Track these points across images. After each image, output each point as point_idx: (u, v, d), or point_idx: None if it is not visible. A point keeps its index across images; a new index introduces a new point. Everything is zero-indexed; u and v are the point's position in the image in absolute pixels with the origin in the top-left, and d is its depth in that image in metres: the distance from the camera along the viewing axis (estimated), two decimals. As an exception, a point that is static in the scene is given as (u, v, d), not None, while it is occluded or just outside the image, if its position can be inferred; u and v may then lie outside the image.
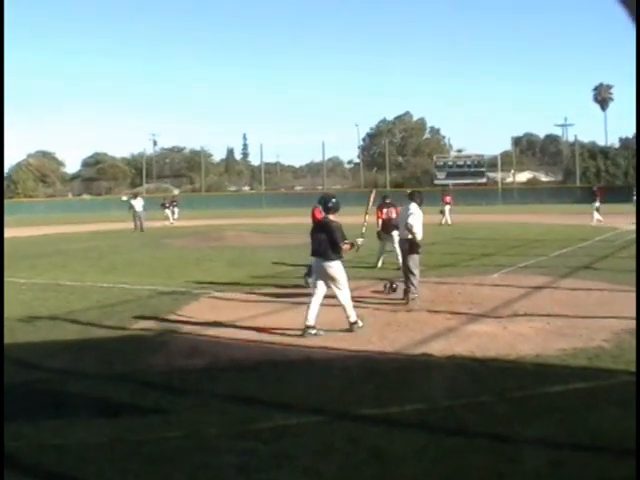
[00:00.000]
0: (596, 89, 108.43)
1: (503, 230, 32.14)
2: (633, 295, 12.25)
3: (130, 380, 7.99)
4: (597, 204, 35.98)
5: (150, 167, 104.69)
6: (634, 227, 27.79)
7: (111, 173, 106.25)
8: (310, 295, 10.57)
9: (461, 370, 8.03)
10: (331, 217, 10.70)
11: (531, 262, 18.60)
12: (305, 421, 6.40)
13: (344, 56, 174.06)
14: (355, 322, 10.23)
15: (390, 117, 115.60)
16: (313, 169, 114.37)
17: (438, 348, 9.04)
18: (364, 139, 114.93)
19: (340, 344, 9.41)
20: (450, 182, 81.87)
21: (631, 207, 48.37)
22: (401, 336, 9.87)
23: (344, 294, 10.37)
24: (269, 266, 19.47)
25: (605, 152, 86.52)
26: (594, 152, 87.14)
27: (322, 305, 10.69)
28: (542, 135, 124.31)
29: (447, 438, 5.95)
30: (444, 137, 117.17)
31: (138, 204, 38.32)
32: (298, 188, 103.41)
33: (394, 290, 13.20)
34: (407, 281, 12.72)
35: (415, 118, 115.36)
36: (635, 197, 57.37)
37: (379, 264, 18.16)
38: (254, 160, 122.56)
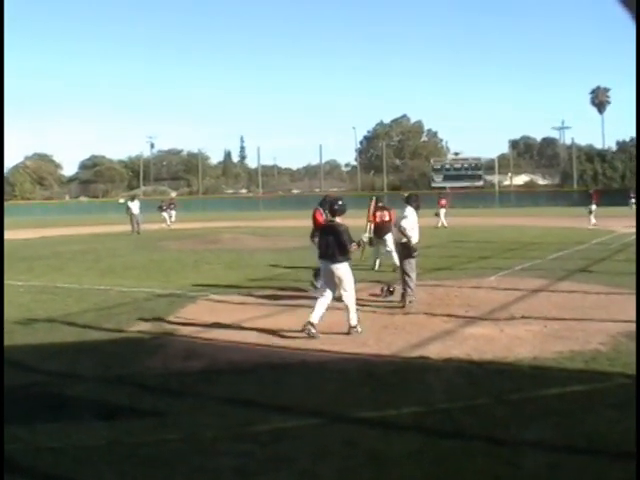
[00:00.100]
0: (593, 92, 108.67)
1: (500, 233, 32.15)
2: (630, 298, 12.29)
3: (127, 383, 7.99)
4: (593, 207, 35.97)
5: (147, 170, 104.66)
6: (631, 230, 27.88)
7: (108, 175, 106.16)
8: (312, 298, 10.55)
9: (458, 373, 8.04)
10: (338, 219, 10.72)
11: (528, 265, 18.61)
12: (303, 424, 6.40)
13: (341, 59, 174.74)
14: (355, 326, 10.23)
15: (387, 120, 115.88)
16: (310, 172, 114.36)
17: (435, 351, 9.05)
18: (361, 142, 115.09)
19: (337, 347, 9.41)
20: (447, 185, 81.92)
21: (628, 210, 48.61)
22: (398, 339, 9.88)
23: (349, 296, 10.40)
24: (266, 269, 19.48)
25: (602, 155, 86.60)
26: (591, 155, 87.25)
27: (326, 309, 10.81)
28: (539, 138, 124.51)
29: (444, 441, 5.96)
30: (441, 140, 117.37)
31: (135, 206, 38.28)
32: (295, 191, 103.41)
33: (391, 293, 13.21)
34: (404, 284, 12.74)
35: (412, 121, 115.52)
36: (633, 200, 57.69)
37: (376, 267, 18.19)
38: (251, 163, 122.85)
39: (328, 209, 11.10)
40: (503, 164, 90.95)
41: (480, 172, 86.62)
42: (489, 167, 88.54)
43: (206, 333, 10.58)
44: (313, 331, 10.04)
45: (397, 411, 6.64)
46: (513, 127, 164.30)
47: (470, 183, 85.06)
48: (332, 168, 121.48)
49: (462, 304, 12.60)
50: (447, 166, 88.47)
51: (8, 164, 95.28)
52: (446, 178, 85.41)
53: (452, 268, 18.71)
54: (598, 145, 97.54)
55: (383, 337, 10.01)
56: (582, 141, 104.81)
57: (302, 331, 10.05)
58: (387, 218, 17.82)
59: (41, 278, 17.77)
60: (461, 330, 10.41)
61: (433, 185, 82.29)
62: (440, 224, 36.96)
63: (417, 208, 13.15)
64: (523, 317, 11.21)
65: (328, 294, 10.48)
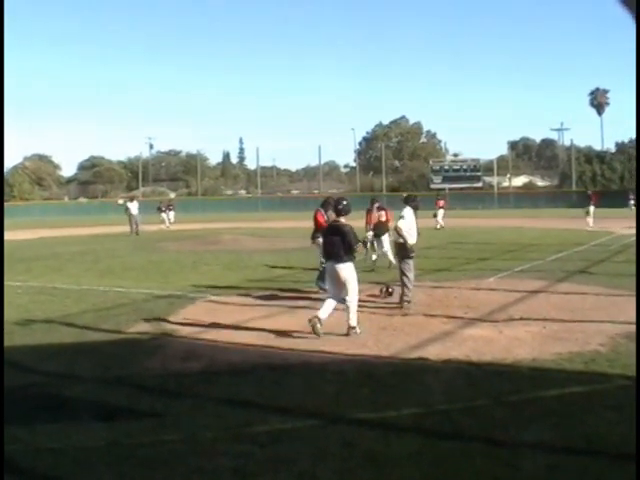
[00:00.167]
0: (592, 94, 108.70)
1: (499, 234, 32.16)
2: (629, 299, 12.30)
3: (126, 384, 7.98)
4: (591, 208, 35.95)
5: (146, 170, 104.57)
6: (630, 231, 27.88)
7: (107, 176, 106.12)
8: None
9: (457, 374, 8.04)
10: (342, 220, 10.74)
11: (527, 266, 18.61)
12: (302, 425, 6.40)
13: (340, 60, 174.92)
14: (354, 327, 10.22)
15: (386, 121, 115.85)
16: (309, 173, 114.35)
17: (434, 352, 9.05)
18: (360, 143, 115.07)
19: (336, 348, 9.40)
20: (446, 186, 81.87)
21: (627, 211, 48.64)
22: (397, 340, 9.88)
23: (352, 296, 10.42)
24: (265, 270, 19.48)
25: (601, 156, 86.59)
26: (590, 156, 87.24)
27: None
28: (538, 139, 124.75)
29: (443, 442, 5.95)
30: (440, 141, 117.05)
31: (134, 207, 38.28)
32: (294, 192, 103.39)
33: (390, 294, 13.21)
34: (402, 285, 12.78)
35: (411, 122, 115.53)
36: (632, 201, 57.76)
37: (374, 257, 18.24)
38: (250, 164, 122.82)
39: (333, 209, 11.12)
40: (502, 165, 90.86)
41: (479, 173, 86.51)
42: (488, 168, 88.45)
43: (205, 334, 10.58)
44: (318, 325, 10.07)
45: (396, 412, 6.63)
46: (512, 128, 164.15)
47: (469, 184, 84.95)
48: (331, 169, 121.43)
49: (461, 305, 12.59)
50: (446, 167, 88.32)
51: (7, 165, 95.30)
52: (445, 179, 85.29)
53: (451, 269, 18.71)
54: (597, 146, 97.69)
55: (382, 338, 10.01)
56: (581, 142, 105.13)
57: (310, 321, 10.09)
58: (384, 218, 17.85)
59: (40, 279, 17.76)
60: (460, 331, 10.41)
61: (432, 186, 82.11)
62: (439, 225, 36.99)
63: (415, 209, 13.17)
64: (522, 318, 11.21)
65: (338, 294, 10.53)
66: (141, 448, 5.83)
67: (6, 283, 13.34)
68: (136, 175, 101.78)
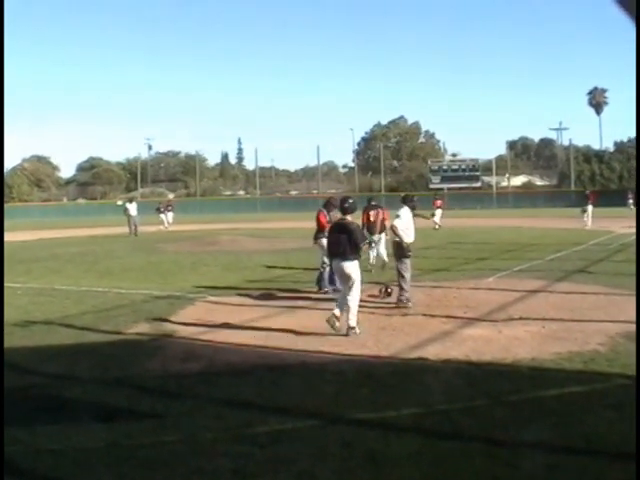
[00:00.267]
0: (591, 93, 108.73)
1: (498, 234, 32.17)
2: (628, 299, 12.31)
3: (126, 385, 7.98)
4: (589, 207, 35.93)
5: (145, 171, 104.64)
6: (629, 231, 27.91)
7: (106, 177, 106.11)
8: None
9: (456, 374, 8.04)
10: (348, 218, 10.78)
11: (526, 266, 18.62)
12: (301, 425, 6.40)
13: (339, 60, 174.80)
14: (353, 327, 10.22)
15: (385, 121, 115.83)
16: (308, 173, 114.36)
17: (433, 352, 9.05)
18: (359, 143, 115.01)
19: (335, 348, 9.41)
20: (445, 186, 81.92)
21: (626, 211, 48.65)
22: (396, 340, 9.88)
23: (354, 295, 10.46)
24: (264, 270, 19.49)
25: (600, 156, 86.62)
26: (589, 156, 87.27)
27: (322, 310, 10.80)
28: (537, 139, 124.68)
29: (443, 442, 5.96)
30: (439, 141, 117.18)
31: (133, 208, 38.28)
32: (293, 192, 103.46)
33: (389, 294, 13.21)
34: (399, 285, 12.84)
35: (410, 122, 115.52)
36: (631, 201, 57.77)
37: (372, 262, 18.23)
38: (249, 164, 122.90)
39: (339, 207, 11.16)
40: (501, 165, 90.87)
41: (478, 173, 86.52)
42: (487, 168, 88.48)
43: (204, 335, 10.57)
44: (337, 324, 10.23)
45: (396, 412, 6.63)
46: (511, 128, 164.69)
47: (468, 184, 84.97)
48: (330, 169, 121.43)
49: (460, 305, 12.60)
50: (445, 167, 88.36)
51: (6, 166, 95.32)
52: (444, 179, 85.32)
53: (450, 269, 18.72)
54: (596, 146, 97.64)
55: (382, 338, 10.01)
56: (580, 142, 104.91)
57: (328, 321, 10.24)
58: (380, 217, 17.86)
59: (39, 280, 17.76)
60: (459, 331, 10.41)
61: (431, 186, 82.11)
62: (437, 226, 36.98)
63: (413, 208, 13.20)
64: (521, 318, 11.21)
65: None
66: (141, 449, 5.83)
67: (6, 284, 13.34)
68: (135, 176, 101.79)
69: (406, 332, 10.41)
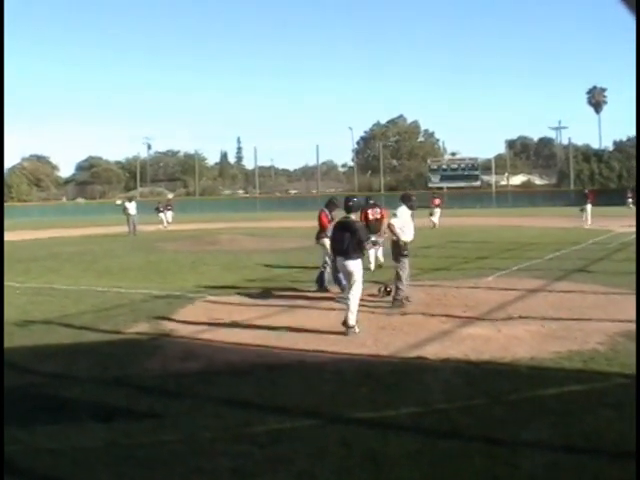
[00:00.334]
0: (590, 92, 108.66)
1: (497, 233, 32.16)
2: (628, 298, 12.32)
3: (125, 384, 7.98)
4: (588, 207, 35.89)
5: (144, 171, 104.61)
6: (628, 230, 27.91)
7: (105, 177, 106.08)
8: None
9: (456, 373, 8.03)
10: (352, 216, 10.83)
11: (525, 265, 18.62)
12: (300, 425, 6.40)
13: (338, 60, 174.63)
14: (352, 326, 10.23)
15: (384, 120, 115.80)
16: (307, 173, 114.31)
17: (432, 351, 9.05)
18: (358, 142, 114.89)
19: (335, 347, 9.41)
20: (444, 185, 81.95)
21: (625, 210, 48.67)
22: (396, 339, 9.88)
23: (355, 293, 10.48)
24: (264, 269, 19.47)
25: (599, 155, 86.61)
26: (588, 155, 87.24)
27: (321, 309, 10.80)
28: (536, 138, 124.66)
29: (442, 441, 5.95)
30: (438, 140, 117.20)
31: (132, 207, 38.26)
32: (292, 192, 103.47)
33: (388, 293, 13.20)
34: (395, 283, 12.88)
35: (409, 121, 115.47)
36: (630, 200, 57.78)
37: (372, 267, 18.19)
38: (248, 164, 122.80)
39: (343, 206, 11.19)
40: (500, 164, 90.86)
41: (477, 172, 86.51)
42: (486, 167, 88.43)
43: (204, 334, 10.57)
44: (357, 329, 10.33)
45: (395, 411, 6.64)
46: (510, 127, 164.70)
47: (467, 183, 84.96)
48: (329, 169, 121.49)
49: (460, 304, 12.60)
50: (444, 166, 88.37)
51: (5, 166, 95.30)
52: (443, 178, 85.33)
53: (450, 268, 18.72)
54: (595, 145, 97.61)
55: (381, 337, 10.01)
56: (579, 141, 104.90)
57: (343, 324, 10.37)
58: (378, 216, 17.86)
59: (38, 279, 17.76)
60: (459, 330, 10.41)
61: (430, 185, 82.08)
62: (433, 224, 36.95)
63: (411, 207, 13.20)
64: (521, 317, 11.21)
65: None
66: (140, 448, 5.83)
67: (5, 284, 13.33)
68: (134, 175, 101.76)
69: (405, 331, 10.42)
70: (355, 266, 10.51)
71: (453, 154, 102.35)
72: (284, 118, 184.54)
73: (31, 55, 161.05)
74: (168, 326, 11.18)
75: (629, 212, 45.67)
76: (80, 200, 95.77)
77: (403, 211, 12.99)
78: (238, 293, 14.70)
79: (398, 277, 12.62)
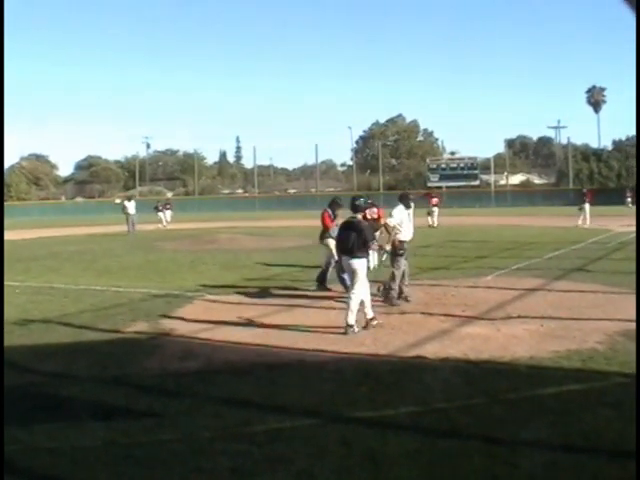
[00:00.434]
0: (589, 91, 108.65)
1: (496, 232, 32.15)
2: (627, 297, 12.34)
3: (124, 383, 7.98)
4: (587, 206, 35.86)
5: (143, 170, 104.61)
6: (627, 229, 27.92)
7: (104, 176, 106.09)
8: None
9: (455, 372, 8.04)
10: (359, 216, 10.86)
11: (524, 264, 18.61)
12: (299, 424, 6.40)
13: (337, 59, 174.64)
14: (351, 325, 10.23)
15: (383, 120, 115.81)
16: (306, 172, 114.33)
17: (432, 350, 9.05)
18: (357, 142, 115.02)
19: (333, 347, 9.41)
20: (443, 184, 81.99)
21: (624, 209, 48.70)
22: (394, 338, 9.88)
23: (356, 293, 10.49)
24: (263, 269, 19.46)
25: (598, 154, 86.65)
26: (587, 154, 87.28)
27: (320, 308, 10.78)
28: (535, 137, 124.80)
29: (441, 440, 5.95)
30: (437, 139, 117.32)
31: (131, 206, 38.24)
32: (291, 191, 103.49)
33: (393, 289, 13.20)
34: (399, 283, 12.88)
35: (408, 120, 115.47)
36: (629, 199, 57.84)
37: (372, 265, 18.19)
38: (247, 163, 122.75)
39: (350, 206, 11.21)
40: (499, 163, 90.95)
41: (476, 171, 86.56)
42: (485, 166, 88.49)
43: (203, 333, 10.57)
44: (375, 323, 10.58)
45: (394, 411, 6.64)
46: (509, 126, 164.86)
47: (466, 182, 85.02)
48: (328, 168, 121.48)
49: (459, 303, 12.60)
50: (443, 166, 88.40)
51: (4, 165, 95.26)
52: (442, 178, 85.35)
53: (449, 268, 18.71)
54: (594, 144, 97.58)
55: (380, 337, 10.01)
56: (578, 140, 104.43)
57: (366, 328, 10.48)
58: (375, 216, 17.87)
59: (37, 279, 17.75)
60: (458, 329, 10.42)
61: (429, 184, 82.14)
62: (431, 222, 36.93)
63: (408, 207, 13.21)
64: (520, 316, 11.21)
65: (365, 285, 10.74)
66: (139, 448, 5.83)
67: (4, 283, 13.33)
68: (133, 174, 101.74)
69: (404, 330, 10.42)
70: (359, 265, 10.54)
71: (452, 153, 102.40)
72: (283, 117, 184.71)
73: (30, 55, 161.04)
74: (167, 325, 11.18)
75: (628, 211, 45.70)
76: (79, 199, 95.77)
77: (399, 210, 13.03)
78: (237, 292, 14.70)
79: (392, 276, 12.64)
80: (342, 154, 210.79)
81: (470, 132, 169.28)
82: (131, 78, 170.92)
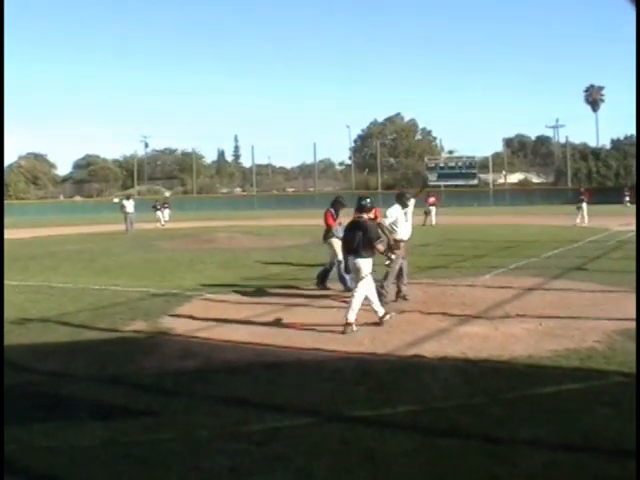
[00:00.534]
0: (587, 90, 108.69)
1: (495, 231, 32.17)
2: (625, 296, 12.35)
3: (122, 382, 7.97)
4: (584, 205, 35.89)
5: (141, 169, 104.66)
6: (626, 228, 27.94)
7: (102, 175, 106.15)
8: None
9: (453, 371, 8.03)
10: (365, 216, 10.89)
11: (523, 263, 18.62)
12: (297, 423, 6.39)
13: (335, 58, 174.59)
14: (350, 324, 10.23)
15: (381, 119, 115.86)
16: (305, 171, 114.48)
17: (430, 349, 9.04)
18: (355, 141, 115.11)
19: (332, 346, 9.40)
20: (442, 183, 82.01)
21: (622, 208, 48.73)
22: (393, 338, 9.87)
23: (360, 292, 10.52)
24: (262, 267, 19.45)
25: (596, 153, 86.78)
26: (585, 153, 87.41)
27: (319, 307, 10.77)
28: (533, 136, 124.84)
29: (440, 440, 5.95)
30: (435, 138, 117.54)
31: (130, 205, 38.23)
32: (290, 190, 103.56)
33: (386, 293, 13.19)
34: (398, 282, 12.87)
35: (406, 119, 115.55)
36: (627, 198, 57.88)
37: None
38: (245, 162, 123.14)
39: (356, 205, 11.25)
40: (497, 162, 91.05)
41: (474, 170, 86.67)
42: (483, 165, 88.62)
43: (201, 332, 10.56)
44: (388, 317, 10.67)
45: (392, 410, 6.63)
46: (507, 125, 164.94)
47: (464, 182, 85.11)
48: (326, 167, 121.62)
49: (457, 302, 12.60)
50: (441, 165, 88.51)
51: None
52: (440, 177, 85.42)
53: (447, 267, 18.71)
54: (592, 143, 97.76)
55: (378, 336, 10.00)
56: (576, 139, 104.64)
57: (379, 324, 10.58)
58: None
59: (36, 278, 17.73)
60: (456, 329, 10.41)
61: (428, 184, 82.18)
62: (428, 222, 36.90)
63: (404, 206, 13.21)
64: (518, 315, 11.21)
65: (372, 284, 10.80)
66: (137, 447, 5.82)
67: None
68: (131, 173, 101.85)
69: (402, 329, 10.41)
70: (364, 264, 10.56)
71: (450, 152, 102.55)
72: (281, 116, 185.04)
73: (29, 55, 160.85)
74: (165, 324, 11.17)
75: (626, 210, 45.75)
76: (77, 198, 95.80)
77: (395, 210, 13.04)
78: (236, 291, 14.69)
79: (385, 275, 12.66)
80: (340, 153, 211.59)
81: (468, 131, 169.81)
82: (129, 77, 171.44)
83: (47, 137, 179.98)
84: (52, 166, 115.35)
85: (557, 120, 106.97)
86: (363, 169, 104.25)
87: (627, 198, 59.65)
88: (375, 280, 10.88)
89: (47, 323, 11.43)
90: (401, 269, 12.94)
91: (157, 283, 16.16)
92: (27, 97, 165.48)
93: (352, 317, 10.28)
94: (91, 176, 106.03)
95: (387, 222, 12.82)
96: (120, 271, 19.21)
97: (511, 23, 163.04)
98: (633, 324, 9.37)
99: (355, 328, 10.22)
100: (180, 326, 11.00)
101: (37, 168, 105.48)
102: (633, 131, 78.95)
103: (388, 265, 12.37)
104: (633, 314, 9.83)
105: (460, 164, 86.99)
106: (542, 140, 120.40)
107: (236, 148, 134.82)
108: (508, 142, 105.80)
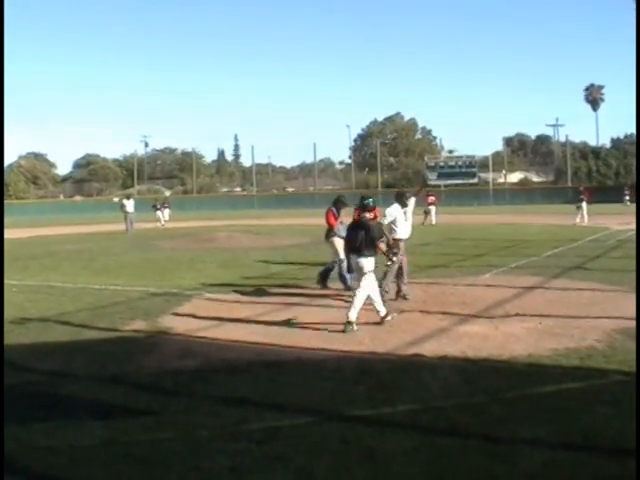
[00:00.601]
0: (587, 89, 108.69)
1: (495, 231, 32.15)
2: (625, 295, 12.35)
3: (122, 382, 7.97)
4: (584, 204, 35.86)
5: (141, 168, 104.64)
6: (626, 227, 27.93)
7: (102, 174, 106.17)
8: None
9: (453, 371, 8.03)
10: (367, 215, 10.91)
11: (523, 262, 18.61)
12: (297, 422, 6.39)
13: (335, 57, 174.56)
14: (351, 323, 10.23)
15: (381, 118, 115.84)
16: (305, 170, 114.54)
17: (430, 349, 9.04)
18: (355, 140, 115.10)
19: (332, 345, 9.40)
20: (442, 183, 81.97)
21: (623, 207, 48.72)
22: (393, 337, 9.87)
23: (362, 291, 10.54)
24: (261, 267, 19.44)
25: (596, 152, 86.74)
26: (585, 152, 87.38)
27: (319, 306, 10.75)
28: (533, 135, 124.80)
29: (439, 439, 5.94)
30: (435, 138, 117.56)
31: (130, 205, 38.20)
32: (290, 189, 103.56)
33: (386, 292, 13.18)
34: (398, 281, 12.86)
35: (406, 119, 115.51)
36: (627, 197, 57.87)
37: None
38: (245, 161, 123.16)
39: (359, 205, 11.30)
40: (497, 161, 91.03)
41: (474, 170, 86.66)
42: (483, 164, 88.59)
43: (201, 332, 10.55)
44: (389, 317, 10.69)
45: (392, 409, 6.63)
46: (507, 124, 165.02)
47: (464, 181, 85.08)
48: (326, 166, 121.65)
49: (457, 302, 12.59)
50: (441, 164, 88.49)
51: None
52: (440, 176, 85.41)
53: (447, 266, 18.70)
54: (592, 142, 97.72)
55: (378, 335, 10.00)
56: (576, 138, 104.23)
57: (381, 323, 10.59)
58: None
59: (35, 277, 17.73)
60: (456, 328, 10.41)
61: (427, 183, 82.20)
62: (427, 221, 36.85)
63: (404, 205, 13.21)
64: (518, 314, 11.20)
65: (374, 283, 10.83)
66: (137, 446, 5.82)
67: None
68: (131, 173, 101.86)
69: (402, 329, 10.40)
70: (366, 263, 10.57)
71: (450, 151, 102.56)
72: (281, 116, 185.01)
73: (29, 54, 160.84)
74: (165, 324, 11.17)
75: (626, 209, 45.74)
76: (77, 198, 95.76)
77: (394, 209, 13.05)
78: (236, 291, 14.69)
79: (384, 275, 12.66)
80: (340, 152, 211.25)
81: (468, 130, 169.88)
82: (129, 77, 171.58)
83: (47, 137, 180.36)
84: (52, 166, 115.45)
85: (557, 119, 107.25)
86: (363, 168, 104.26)
87: (627, 197, 59.62)
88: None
89: (47, 322, 11.42)
90: (401, 268, 12.95)
91: (157, 282, 16.15)
92: (27, 97, 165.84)
93: (354, 316, 10.28)
94: (91, 176, 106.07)
95: (386, 221, 12.83)
96: (120, 270, 19.20)
97: (511, 22, 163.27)
98: (633, 323, 9.37)
99: (355, 327, 10.22)
100: (180, 325, 11.00)
101: (37, 168, 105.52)
102: (633, 130, 79.02)
103: (388, 265, 12.36)
104: (633, 313, 9.83)
105: (460, 163, 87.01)
106: (542, 139, 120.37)
107: (236, 147, 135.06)
108: (508, 141, 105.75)
